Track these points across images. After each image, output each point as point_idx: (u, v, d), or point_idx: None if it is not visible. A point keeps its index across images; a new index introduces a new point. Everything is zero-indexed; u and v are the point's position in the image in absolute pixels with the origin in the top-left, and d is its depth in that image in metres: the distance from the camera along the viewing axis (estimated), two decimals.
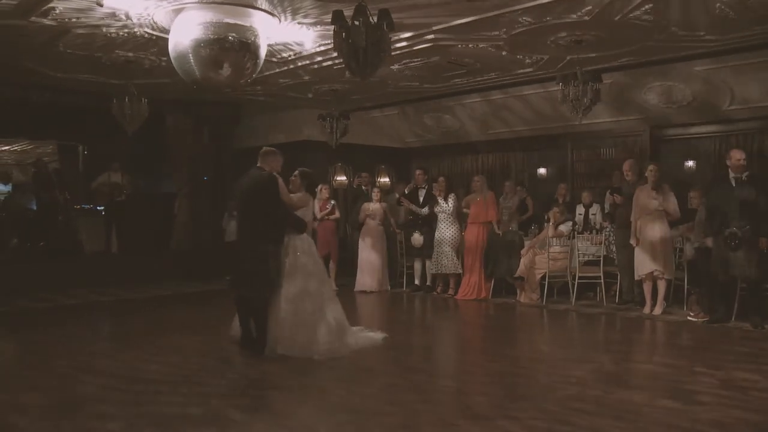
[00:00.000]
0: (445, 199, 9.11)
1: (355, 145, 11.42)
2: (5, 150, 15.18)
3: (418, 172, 9.91)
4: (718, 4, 5.93)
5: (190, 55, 5.87)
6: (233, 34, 5.86)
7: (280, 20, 6.28)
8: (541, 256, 8.37)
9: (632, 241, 7.49)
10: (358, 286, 9.68)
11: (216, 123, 11.84)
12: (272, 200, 5.53)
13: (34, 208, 11.57)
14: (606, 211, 8.60)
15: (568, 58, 7.66)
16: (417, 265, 9.70)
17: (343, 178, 11.71)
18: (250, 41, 5.97)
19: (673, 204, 7.42)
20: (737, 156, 6.70)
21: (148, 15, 6.15)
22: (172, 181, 12.21)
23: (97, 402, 4.37)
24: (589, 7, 5.96)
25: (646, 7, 5.98)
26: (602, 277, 8.11)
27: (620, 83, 9.16)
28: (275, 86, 9.50)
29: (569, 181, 10.35)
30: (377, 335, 6.17)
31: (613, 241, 8.22)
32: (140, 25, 6.47)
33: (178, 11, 5.94)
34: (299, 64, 8.13)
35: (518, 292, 8.61)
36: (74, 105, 10.22)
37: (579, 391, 4.53)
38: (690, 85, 8.90)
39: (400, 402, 4.36)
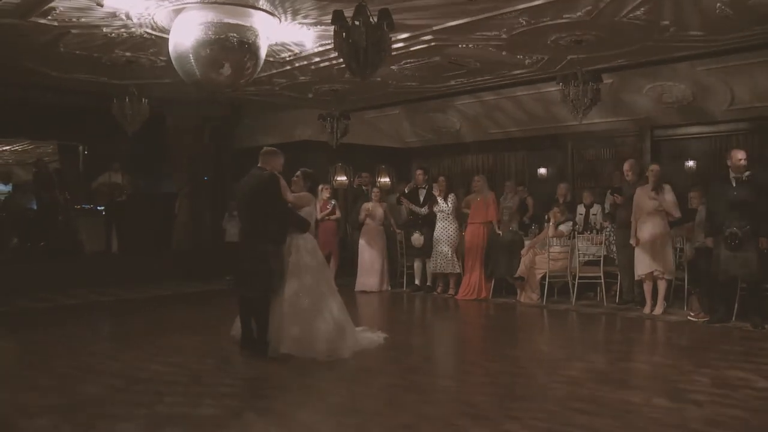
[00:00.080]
0: (445, 199, 9.12)
1: (355, 145, 11.43)
2: (6, 150, 15.19)
3: (418, 172, 9.91)
4: (718, 4, 5.93)
5: (191, 55, 5.88)
6: (234, 35, 5.86)
7: (280, 20, 6.28)
8: (542, 256, 8.37)
9: (632, 241, 7.49)
10: (358, 286, 9.69)
11: (216, 123, 11.84)
12: (273, 200, 5.53)
13: (35, 208, 11.57)
14: (606, 211, 8.60)
15: (568, 58, 7.66)
16: (417, 265, 9.70)
17: (344, 178, 11.72)
18: (250, 41, 5.97)
19: (673, 204, 7.42)
20: (738, 156, 6.70)
21: (149, 15, 6.15)
22: (173, 181, 12.21)
23: (97, 402, 4.37)
24: (589, 7, 5.97)
25: (646, 7, 5.98)
26: (602, 277, 8.11)
27: (620, 83, 9.16)
28: (275, 86, 9.50)
29: (569, 181, 10.35)
30: (378, 336, 6.17)
31: (613, 241, 8.22)
32: (140, 25, 6.47)
33: (178, 11, 5.94)
34: (299, 64, 8.14)
35: (518, 292, 8.61)
36: (74, 105, 10.22)
37: (579, 391, 4.53)
38: (690, 85, 8.90)
39: (400, 402, 4.36)
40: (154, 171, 12.88)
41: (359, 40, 5.01)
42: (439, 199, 9.14)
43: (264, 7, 5.95)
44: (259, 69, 6.43)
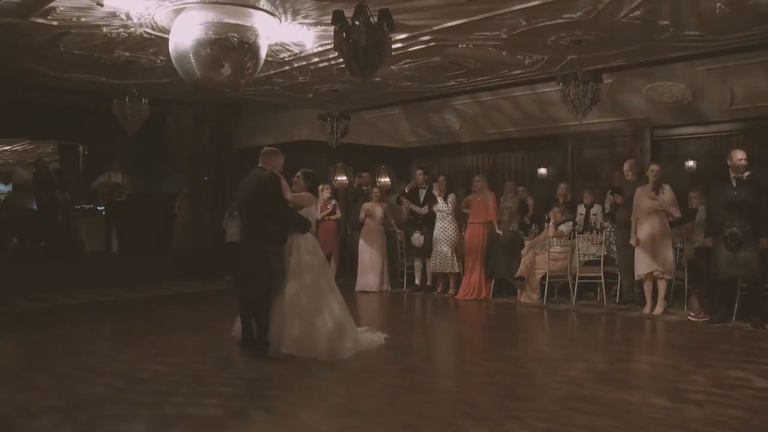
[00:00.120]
0: (445, 199, 9.12)
1: (355, 145, 11.43)
2: (6, 150, 15.20)
3: (418, 171, 9.92)
4: (717, 4, 5.93)
5: (191, 55, 5.88)
6: (234, 35, 5.86)
7: (280, 20, 6.28)
8: (542, 256, 8.37)
9: (632, 241, 7.49)
10: (358, 286, 9.69)
11: (216, 123, 11.84)
12: (274, 200, 5.53)
13: (35, 208, 11.57)
14: (606, 211, 8.60)
15: (568, 58, 7.66)
16: (417, 265, 9.70)
17: (344, 178, 11.72)
18: (250, 41, 5.97)
19: (673, 204, 7.42)
20: (738, 156, 6.70)
21: (149, 15, 6.15)
22: (172, 181, 12.22)
23: (98, 402, 4.37)
24: (589, 7, 5.97)
25: (646, 7, 5.98)
26: (602, 277, 8.11)
27: (620, 83, 9.16)
28: (275, 86, 9.50)
29: (570, 181, 10.35)
30: (378, 336, 6.15)
31: (613, 241, 8.22)
32: (140, 25, 6.47)
33: (178, 11, 5.94)
34: (299, 64, 8.14)
35: (518, 292, 8.61)
36: (74, 105, 10.22)
37: (579, 391, 4.53)
38: (690, 85, 8.90)
39: (400, 402, 4.36)
40: (154, 171, 12.88)
41: (359, 40, 5.01)
42: (439, 199, 9.14)
43: (264, 8, 5.95)
44: (259, 69, 6.43)
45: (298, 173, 6.08)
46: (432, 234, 9.20)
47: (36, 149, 14.64)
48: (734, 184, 6.67)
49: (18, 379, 5.07)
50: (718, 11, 6.07)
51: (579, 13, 6.11)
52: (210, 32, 5.80)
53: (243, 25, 5.93)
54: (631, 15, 6.17)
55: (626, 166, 8.14)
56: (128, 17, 6.22)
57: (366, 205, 9.91)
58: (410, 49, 7.42)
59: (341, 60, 5.74)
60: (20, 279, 9.37)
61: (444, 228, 9.07)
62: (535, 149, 11.62)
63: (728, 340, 6.25)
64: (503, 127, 11.41)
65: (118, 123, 8.62)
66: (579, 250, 8.33)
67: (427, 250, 9.33)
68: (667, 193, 7.41)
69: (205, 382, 4.84)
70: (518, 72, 8.70)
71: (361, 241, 9.85)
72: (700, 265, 7.19)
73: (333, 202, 9.89)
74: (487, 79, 9.27)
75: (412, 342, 6.59)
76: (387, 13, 5.07)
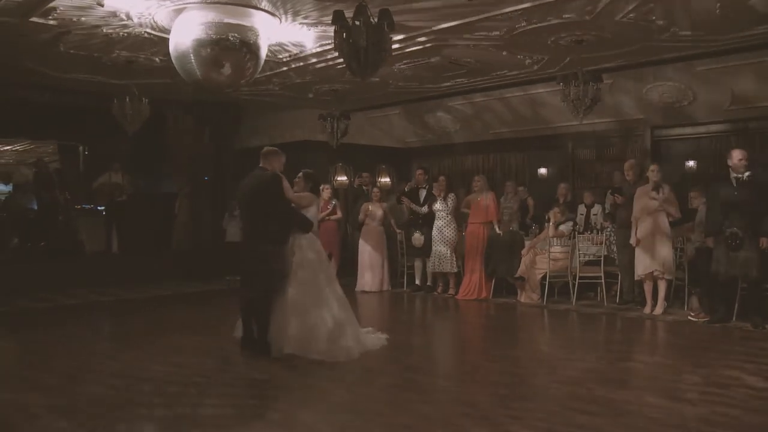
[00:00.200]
0: (445, 199, 9.12)
1: (355, 145, 11.43)
2: (6, 150, 15.21)
3: (418, 171, 9.93)
4: (717, 4, 5.93)
5: (191, 55, 5.88)
6: (234, 35, 5.86)
7: (280, 20, 6.28)
8: (542, 256, 8.37)
9: (632, 241, 7.49)
10: (358, 286, 9.69)
11: (216, 123, 11.84)
12: (275, 199, 5.52)
13: (35, 208, 11.58)
14: (607, 211, 8.60)
15: (568, 58, 7.66)
16: (417, 265, 9.71)
17: (344, 178, 11.71)
18: (251, 41, 5.98)
19: (673, 204, 7.42)
20: (738, 156, 6.69)
21: (149, 15, 6.15)
22: (173, 181, 12.22)
23: (98, 402, 4.37)
24: (590, 7, 5.97)
25: (646, 7, 5.98)
26: (603, 277, 8.11)
27: (620, 83, 9.16)
28: (275, 86, 9.50)
29: (570, 181, 10.35)
30: (379, 337, 6.13)
31: (613, 241, 8.22)
32: (141, 25, 6.47)
33: (179, 11, 5.94)
34: (299, 64, 8.14)
35: (519, 292, 8.61)
36: (75, 105, 10.22)
37: (579, 391, 4.53)
38: (690, 85, 8.90)
39: (400, 402, 4.36)
40: (154, 171, 12.88)
41: (359, 40, 5.01)
42: (439, 199, 9.14)
43: (265, 8, 5.95)
44: (259, 69, 6.43)
45: (300, 174, 6.08)
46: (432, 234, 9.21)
47: (36, 149, 14.65)
48: (734, 184, 6.66)
49: (18, 379, 5.08)
50: (717, 11, 6.07)
51: (579, 13, 6.11)
52: (210, 32, 5.81)
53: (243, 25, 5.93)
54: (631, 15, 6.17)
55: (626, 166, 8.15)
56: (128, 17, 6.22)
57: (365, 206, 9.92)
58: (410, 50, 7.42)
59: (341, 60, 5.74)
60: (20, 279, 9.37)
61: (442, 228, 9.07)
62: (536, 149, 11.61)
63: (728, 340, 6.25)
64: (503, 127, 11.41)
65: (118, 123, 8.61)
66: (579, 250, 8.33)
67: (427, 250, 9.33)
68: (668, 193, 7.41)
69: (204, 382, 4.84)
70: (518, 72, 8.70)
71: (361, 241, 9.86)
72: (701, 265, 7.18)
73: (333, 202, 9.89)
74: (487, 80, 9.27)
75: (412, 342, 6.59)
76: (387, 13, 5.07)
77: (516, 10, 6.00)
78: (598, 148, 10.76)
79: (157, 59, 7.72)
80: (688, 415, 4.00)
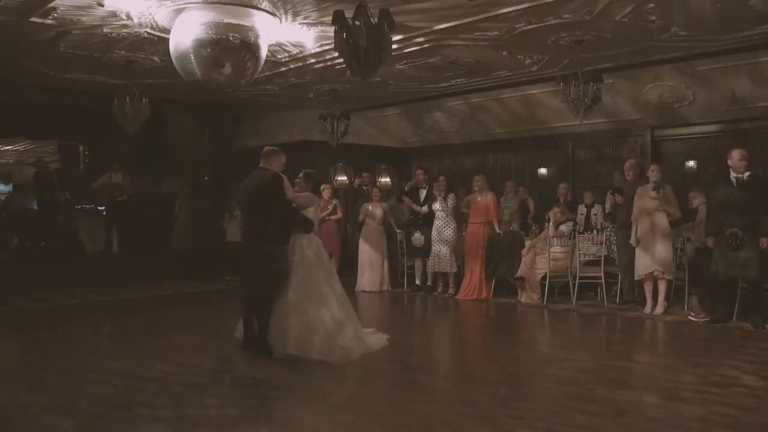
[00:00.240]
0: (445, 199, 9.12)
1: (355, 145, 11.44)
2: (6, 150, 15.21)
3: (418, 171, 9.94)
4: (718, 4, 5.93)
5: (192, 55, 5.88)
6: (234, 34, 5.86)
7: (281, 20, 6.28)
8: (542, 256, 8.37)
9: (633, 241, 7.49)
10: (358, 286, 9.69)
11: (217, 123, 11.84)
12: (276, 199, 5.52)
13: (35, 208, 11.59)
14: (607, 211, 8.60)
15: (568, 58, 7.66)
16: (418, 265, 9.71)
17: (344, 178, 11.71)
18: (251, 41, 5.97)
19: (673, 204, 7.42)
20: (738, 156, 6.68)
21: (150, 14, 6.15)
22: (173, 181, 12.22)
23: (98, 402, 4.37)
24: (590, 8, 5.96)
25: (647, 7, 5.98)
26: (603, 277, 8.11)
27: (620, 83, 9.16)
28: (275, 86, 9.50)
29: (570, 181, 10.35)
30: (381, 338, 6.11)
31: (614, 241, 8.22)
32: (141, 25, 6.47)
33: (179, 11, 5.94)
34: (299, 64, 8.13)
35: (519, 292, 8.61)
36: (75, 105, 10.22)
37: (579, 391, 4.53)
38: (690, 85, 8.90)
39: (401, 402, 4.36)
40: (154, 171, 12.89)
41: (359, 40, 5.01)
42: (439, 199, 9.15)
43: (265, 8, 5.95)
44: (259, 69, 6.42)
45: (300, 174, 6.08)
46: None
47: (36, 149, 14.65)
48: (735, 184, 6.66)
49: (18, 379, 5.08)
50: (718, 11, 6.07)
51: (579, 14, 6.11)
52: (210, 32, 5.80)
53: (243, 25, 5.93)
54: (631, 15, 6.17)
55: (626, 166, 8.15)
56: (128, 17, 6.22)
57: (365, 206, 9.92)
58: (410, 50, 7.41)
59: (341, 60, 5.74)
60: (20, 279, 9.38)
61: (440, 228, 9.08)
62: (536, 149, 11.61)
63: (728, 340, 6.25)
64: (504, 127, 11.40)
65: (118, 123, 8.61)
66: (579, 250, 8.33)
67: (427, 250, 9.34)
68: (668, 193, 7.41)
69: (205, 382, 4.84)
70: (519, 72, 8.70)
71: (361, 241, 9.86)
72: (701, 265, 7.19)
73: (334, 202, 9.90)
74: (487, 80, 9.27)
75: (412, 342, 6.59)
76: (387, 12, 5.06)
77: (516, 11, 6.00)
78: (598, 148, 10.76)
79: (157, 59, 7.72)
80: (687, 415, 4.00)
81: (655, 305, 7.43)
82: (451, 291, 9.14)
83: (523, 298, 8.51)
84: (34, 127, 11.82)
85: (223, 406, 4.28)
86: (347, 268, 10.07)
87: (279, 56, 7.71)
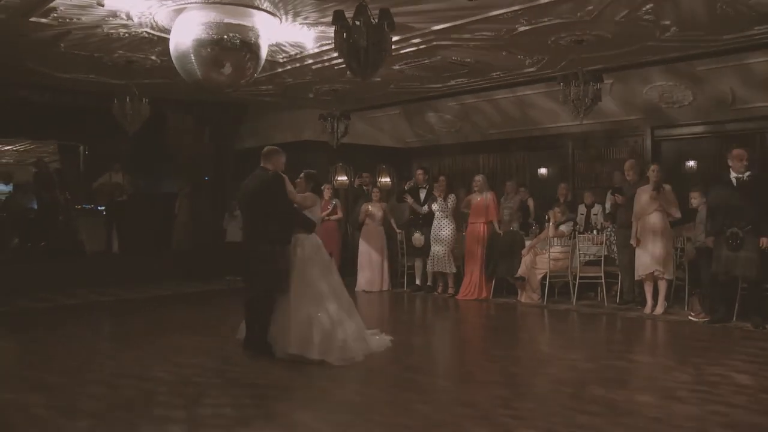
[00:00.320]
0: (445, 199, 9.13)
1: (355, 145, 11.43)
2: (6, 150, 15.22)
3: (418, 171, 9.95)
4: (718, 4, 5.93)
5: (192, 54, 5.88)
6: (235, 34, 5.86)
7: (281, 21, 6.28)
8: (542, 256, 8.37)
9: (633, 241, 7.50)
10: (358, 286, 9.70)
11: (217, 123, 11.84)
12: (277, 199, 5.52)
13: (35, 208, 11.59)
14: (607, 211, 8.60)
15: (568, 58, 7.66)
16: (418, 265, 9.71)
17: (344, 178, 11.72)
18: (251, 41, 5.97)
19: (674, 204, 7.43)
20: (738, 156, 6.69)
21: (150, 14, 6.15)
22: (173, 181, 12.21)
23: (97, 402, 4.37)
24: (590, 7, 5.96)
25: (647, 7, 5.98)
26: (603, 277, 8.11)
27: (620, 83, 9.16)
28: (276, 86, 9.50)
29: (570, 181, 10.35)
30: (384, 339, 6.09)
31: (614, 241, 8.22)
32: (141, 25, 6.47)
33: (179, 11, 5.94)
34: (300, 64, 8.13)
35: (519, 292, 8.61)
36: (75, 105, 10.22)
37: (580, 392, 4.53)
38: (690, 85, 8.90)
39: (401, 402, 4.36)
40: (154, 171, 12.89)
41: (360, 40, 5.01)
42: (438, 199, 9.15)
43: (265, 8, 5.95)
44: (259, 69, 6.43)
45: (301, 174, 6.07)
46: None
47: (37, 149, 14.65)
48: (735, 184, 6.67)
49: (18, 379, 5.08)
50: (719, 11, 6.07)
51: (580, 13, 6.11)
52: (211, 32, 5.80)
53: (244, 25, 5.93)
54: (631, 15, 6.17)
55: (627, 166, 8.16)
56: (129, 17, 6.22)
57: (365, 206, 9.92)
58: (410, 50, 7.41)
59: (341, 60, 5.74)
60: (20, 279, 9.37)
61: (439, 228, 9.08)
62: (536, 149, 11.61)
63: (729, 340, 6.25)
64: (504, 127, 11.40)
65: (118, 123, 8.60)
66: (579, 250, 8.33)
67: (427, 250, 9.34)
68: (668, 193, 7.41)
69: (205, 382, 4.84)
70: (519, 72, 8.70)
71: (361, 241, 9.86)
72: (701, 265, 7.19)
73: (334, 202, 9.90)
74: (487, 79, 9.26)
75: (412, 342, 6.59)
76: (387, 12, 5.06)
77: (516, 11, 6.00)
78: (598, 148, 10.76)
79: (157, 59, 7.72)
80: (687, 415, 4.00)
81: (655, 305, 7.43)
82: (451, 291, 9.14)
83: (523, 298, 8.51)
84: (34, 127, 11.81)
85: (223, 406, 4.28)
86: (347, 268, 10.05)
87: (279, 56, 7.70)
